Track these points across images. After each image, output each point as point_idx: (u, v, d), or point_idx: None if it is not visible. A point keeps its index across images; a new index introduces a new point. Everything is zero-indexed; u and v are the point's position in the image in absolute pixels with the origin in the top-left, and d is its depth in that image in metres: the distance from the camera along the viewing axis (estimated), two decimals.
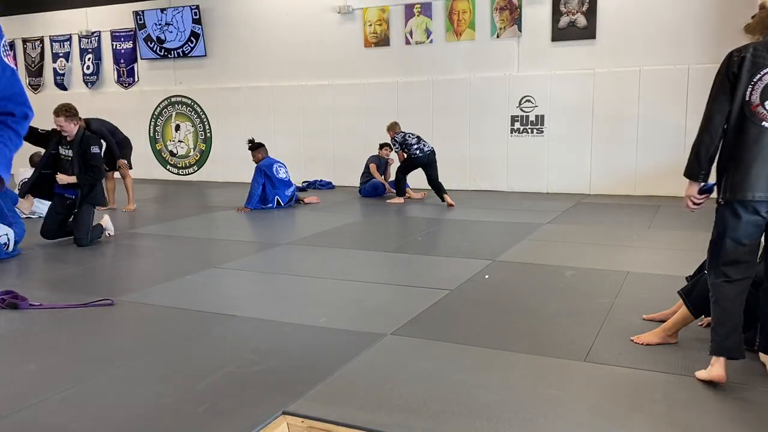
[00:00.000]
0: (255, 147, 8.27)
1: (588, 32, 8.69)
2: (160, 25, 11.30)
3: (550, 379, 2.89)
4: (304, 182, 10.14)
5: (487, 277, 4.64)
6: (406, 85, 9.78)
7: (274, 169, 8.16)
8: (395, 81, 9.83)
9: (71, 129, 6.06)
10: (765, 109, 2.68)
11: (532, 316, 3.74)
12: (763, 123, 2.69)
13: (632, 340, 3.28)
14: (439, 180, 8.11)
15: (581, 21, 8.72)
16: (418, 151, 8.12)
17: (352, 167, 10.20)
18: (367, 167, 9.02)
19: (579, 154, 8.91)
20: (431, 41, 9.60)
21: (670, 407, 2.62)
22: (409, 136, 8.23)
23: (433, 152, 8.18)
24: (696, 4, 8.16)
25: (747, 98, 2.71)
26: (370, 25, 9.89)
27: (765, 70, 2.68)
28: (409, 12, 9.65)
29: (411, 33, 9.69)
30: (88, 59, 12.10)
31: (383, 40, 9.87)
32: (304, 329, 3.61)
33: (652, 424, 2.48)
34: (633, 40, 8.49)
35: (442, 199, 8.03)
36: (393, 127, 8.52)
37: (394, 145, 8.38)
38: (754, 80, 2.70)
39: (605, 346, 3.25)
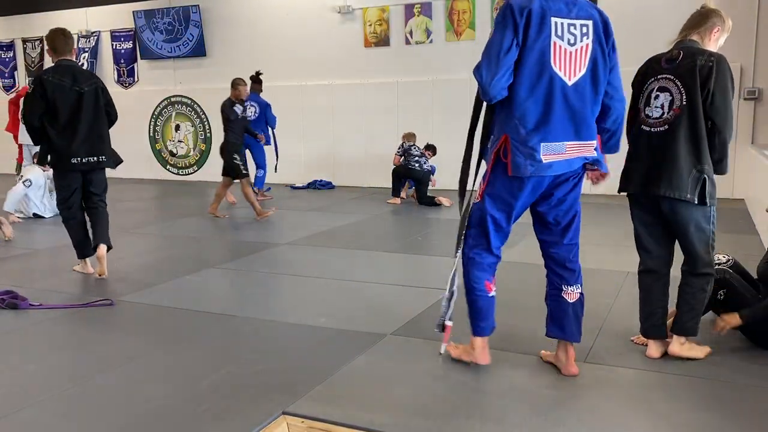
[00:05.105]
0: (252, 79, 8.75)
1: None
2: (159, 23, 11.29)
3: (550, 379, 2.89)
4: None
5: None
6: (406, 85, 9.78)
7: (246, 104, 8.69)
8: (395, 81, 9.83)
9: None
10: (645, 114, 2.99)
11: (532, 316, 3.73)
12: (642, 126, 3.00)
13: (632, 341, 3.28)
14: (428, 196, 8.18)
15: None
16: (416, 164, 8.24)
17: (352, 167, 10.20)
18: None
19: None
20: (431, 41, 9.59)
21: (670, 407, 2.62)
22: (415, 149, 8.35)
23: (428, 173, 8.29)
24: (697, 3, 8.14)
25: (639, 105, 3.07)
26: (370, 24, 9.89)
27: (652, 79, 2.99)
28: (409, 12, 9.64)
29: (411, 33, 9.68)
30: (84, 57, 12.09)
31: (383, 40, 9.86)
32: (304, 329, 3.61)
33: (651, 424, 2.48)
34: (633, 40, 8.46)
35: (437, 204, 8.01)
36: (409, 137, 8.60)
37: (399, 149, 8.45)
38: (644, 89, 3.02)
39: (605, 346, 3.25)
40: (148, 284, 4.60)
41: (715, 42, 3.03)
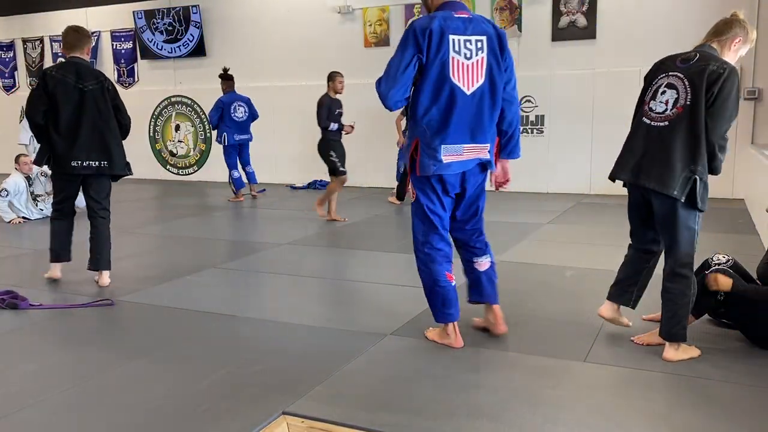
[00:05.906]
0: (223, 77, 8.76)
1: (588, 32, 8.69)
2: (159, 23, 11.30)
3: (550, 379, 2.89)
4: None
5: None
6: None
7: (232, 107, 8.65)
8: None
9: None
10: (648, 106, 3.04)
11: (532, 316, 3.74)
12: (643, 118, 3.06)
13: (632, 341, 3.28)
14: None
15: (581, 21, 8.71)
16: None
17: (351, 167, 10.17)
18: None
19: (579, 154, 8.90)
20: None
21: (670, 407, 2.62)
22: None
23: None
24: (697, 3, 8.15)
25: (645, 97, 3.11)
26: (370, 25, 9.89)
27: (662, 75, 3.03)
28: (409, 12, 9.64)
29: None
30: None
31: (383, 40, 9.86)
32: (304, 329, 3.61)
33: (651, 424, 2.48)
34: (633, 41, 8.48)
35: None
36: None
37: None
38: (653, 83, 3.09)
39: (605, 346, 3.25)
40: (148, 284, 4.60)
41: (734, 52, 3.06)
